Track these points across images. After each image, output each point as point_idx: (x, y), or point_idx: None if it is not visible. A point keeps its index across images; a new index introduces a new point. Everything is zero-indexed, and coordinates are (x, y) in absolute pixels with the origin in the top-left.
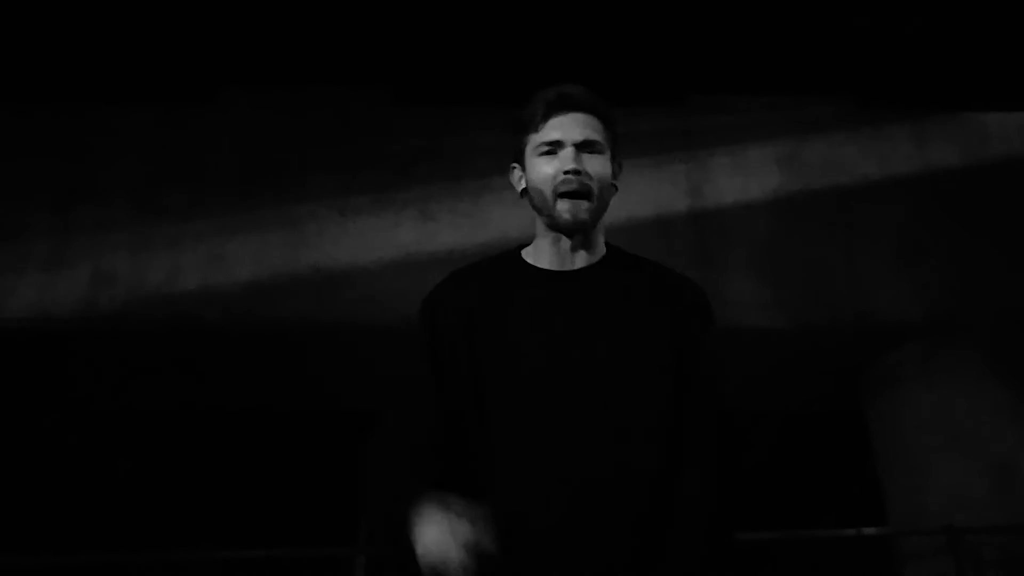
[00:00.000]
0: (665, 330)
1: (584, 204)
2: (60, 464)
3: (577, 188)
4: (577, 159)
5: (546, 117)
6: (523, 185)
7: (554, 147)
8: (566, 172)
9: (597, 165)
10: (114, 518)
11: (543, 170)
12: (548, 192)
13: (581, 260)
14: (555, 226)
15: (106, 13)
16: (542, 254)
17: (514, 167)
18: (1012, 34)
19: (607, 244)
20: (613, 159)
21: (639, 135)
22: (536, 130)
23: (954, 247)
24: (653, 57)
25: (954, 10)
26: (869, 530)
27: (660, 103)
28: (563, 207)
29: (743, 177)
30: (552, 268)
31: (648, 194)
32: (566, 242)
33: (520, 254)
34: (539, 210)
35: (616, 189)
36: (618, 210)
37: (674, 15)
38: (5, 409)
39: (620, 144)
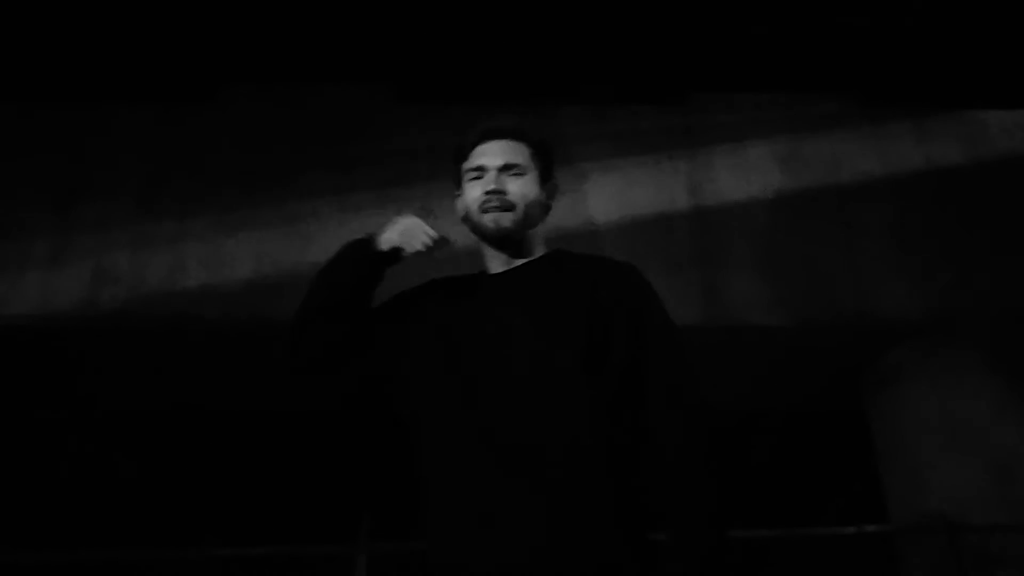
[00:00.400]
0: (579, 305)
1: (507, 215)
2: (61, 463)
3: (497, 205)
4: (498, 180)
5: (473, 146)
6: (464, 212)
7: (480, 172)
8: (487, 192)
9: (518, 185)
10: (115, 517)
11: (471, 193)
12: (475, 211)
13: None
14: (486, 239)
15: (105, 11)
16: (490, 267)
17: (457, 194)
18: (1013, 32)
19: (556, 250)
20: (545, 181)
21: (640, 133)
22: (466, 158)
23: (955, 245)
24: (654, 55)
25: (956, 7)
26: (870, 528)
27: (661, 101)
28: (487, 218)
29: (744, 175)
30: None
31: (649, 192)
32: (502, 255)
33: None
34: (474, 230)
35: (548, 208)
36: (619, 208)
37: (674, 13)
38: (6, 408)
39: (552, 167)
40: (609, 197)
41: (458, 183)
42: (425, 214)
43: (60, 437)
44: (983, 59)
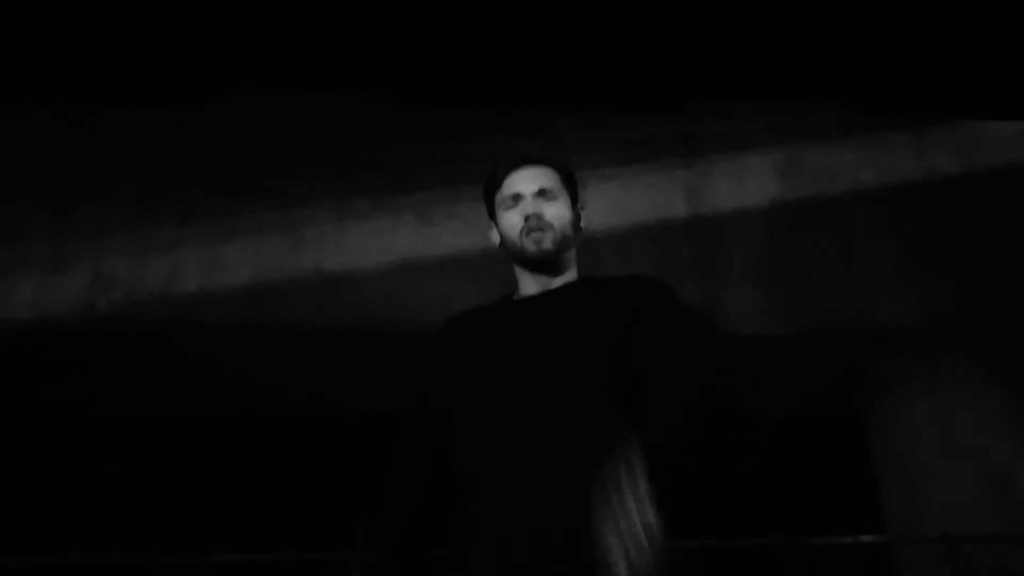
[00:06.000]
0: (594, 319)
1: (547, 236)
2: (58, 466)
3: (538, 227)
4: (535, 205)
5: (506, 175)
6: (499, 239)
7: (516, 199)
8: (527, 217)
9: (554, 209)
10: (112, 520)
11: (510, 220)
12: (516, 236)
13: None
14: (526, 262)
15: (106, 15)
16: (524, 291)
17: (492, 224)
18: (1010, 44)
19: (582, 277)
20: (575, 205)
21: (638, 142)
22: (500, 188)
23: (953, 254)
24: (653, 64)
25: (953, 19)
26: (866, 537)
27: (660, 110)
28: (528, 240)
29: (742, 184)
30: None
31: (648, 201)
32: (540, 276)
33: (512, 295)
34: (513, 254)
35: (581, 231)
36: (617, 216)
37: (674, 23)
38: (4, 411)
39: (578, 192)
40: (607, 205)
41: (491, 214)
42: (423, 221)
43: (58, 439)
44: (981, 70)
